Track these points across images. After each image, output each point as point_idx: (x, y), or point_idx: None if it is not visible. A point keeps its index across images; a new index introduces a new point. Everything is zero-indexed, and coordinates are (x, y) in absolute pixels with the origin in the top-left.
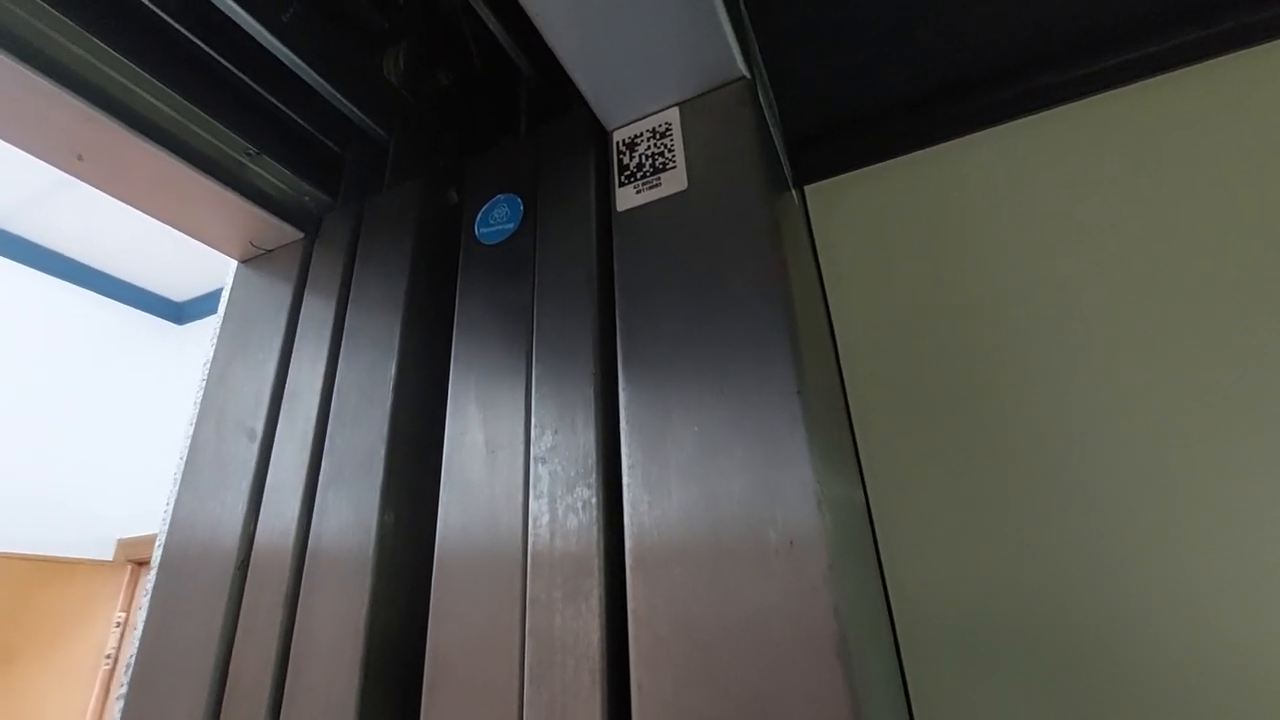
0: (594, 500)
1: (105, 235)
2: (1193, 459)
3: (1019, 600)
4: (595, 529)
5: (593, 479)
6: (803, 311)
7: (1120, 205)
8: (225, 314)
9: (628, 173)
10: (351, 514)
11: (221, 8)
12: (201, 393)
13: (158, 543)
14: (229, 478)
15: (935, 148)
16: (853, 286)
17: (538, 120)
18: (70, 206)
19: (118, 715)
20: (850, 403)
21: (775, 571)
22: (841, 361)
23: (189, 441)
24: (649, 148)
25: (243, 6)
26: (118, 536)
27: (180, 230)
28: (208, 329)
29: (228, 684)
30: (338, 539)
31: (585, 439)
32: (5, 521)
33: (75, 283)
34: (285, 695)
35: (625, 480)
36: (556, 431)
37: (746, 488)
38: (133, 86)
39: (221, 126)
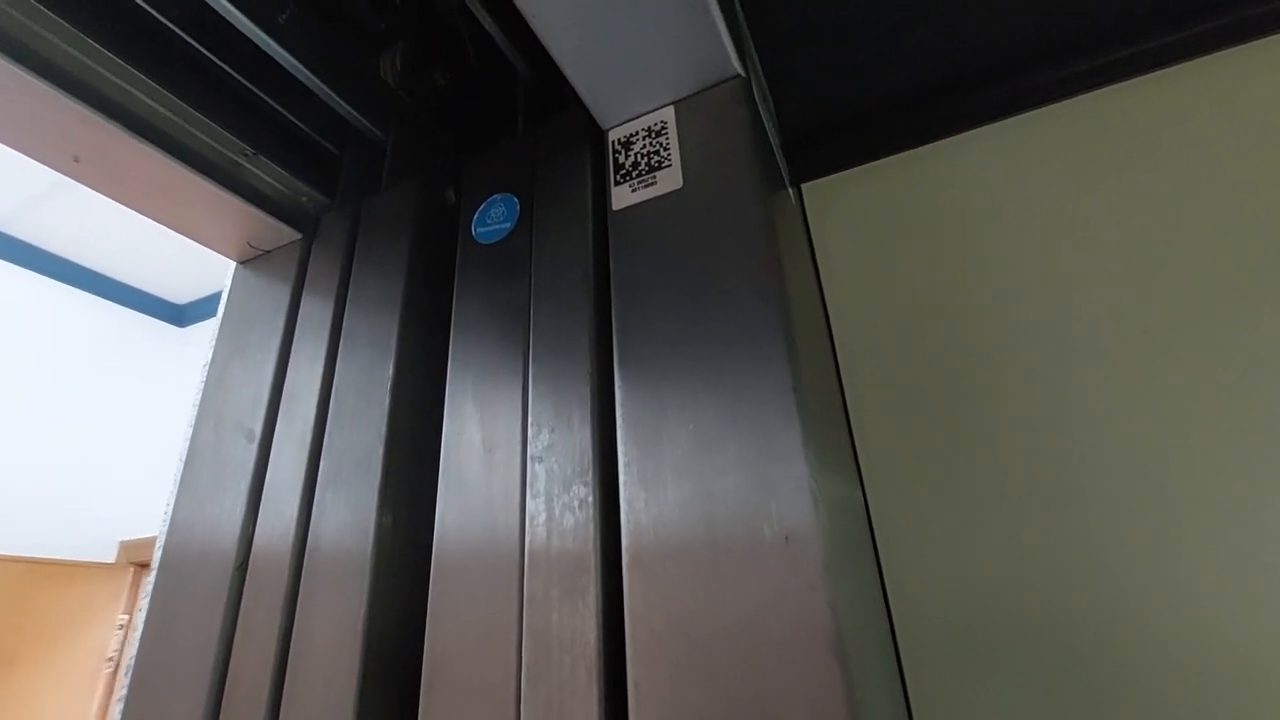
0: (590, 498)
1: (105, 238)
2: (1192, 459)
3: (1018, 600)
4: (592, 527)
5: (589, 477)
6: (798, 308)
7: (1117, 201)
8: (224, 315)
9: (623, 171)
10: (350, 514)
11: (217, 9)
12: (200, 394)
13: (157, 544)
14: (228, 479)
15: (932, 145)
16: (850, 284)
17: (534, 120)
18: (70, 209)
19: (118, 717)
20: (848, 402)
21: (771, 568)
22: (839, 360)
23: (188, 443)
24: (644, 146)
25: (239, 7)
26: (120, 539)
27: (178, 231)
28: (209, 331)
29: (227, 684)
30: (336, 539)
31: (581, 437)
32: (6, 524)
33: (76, 286)
34: (284, 695)
35: (621, 478)
36: (553, 430)
37: (742, 483)
38: (129, 88)
39: (218, 127)
